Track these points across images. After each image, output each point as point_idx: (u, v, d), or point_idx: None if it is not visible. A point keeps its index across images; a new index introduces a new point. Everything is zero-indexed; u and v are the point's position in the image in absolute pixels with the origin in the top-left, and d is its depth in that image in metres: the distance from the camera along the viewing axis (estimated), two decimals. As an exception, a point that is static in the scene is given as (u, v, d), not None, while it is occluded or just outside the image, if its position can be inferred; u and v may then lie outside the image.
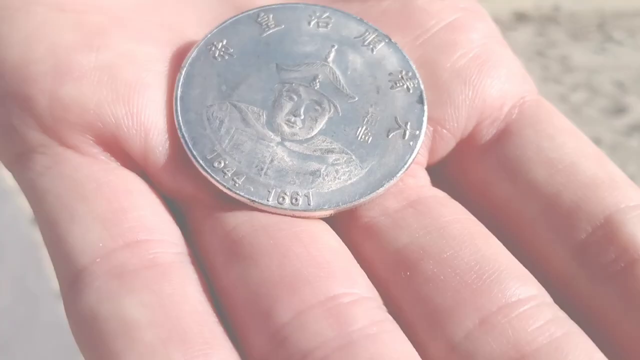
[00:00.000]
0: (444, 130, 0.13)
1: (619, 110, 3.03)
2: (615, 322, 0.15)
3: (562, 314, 0.16)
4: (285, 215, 0.13)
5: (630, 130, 2.76)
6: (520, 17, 5.08)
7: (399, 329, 0.15)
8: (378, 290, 0.15)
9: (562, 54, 3.97)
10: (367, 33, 0.13)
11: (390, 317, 0.16)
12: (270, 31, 0.13)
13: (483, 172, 0.15)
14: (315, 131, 0.13)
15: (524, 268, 0.15)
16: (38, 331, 0.30)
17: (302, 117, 0.11)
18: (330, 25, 0.13)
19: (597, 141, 2.71)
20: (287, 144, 0.12)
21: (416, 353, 0.15)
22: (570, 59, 3.91)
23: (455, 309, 0.14)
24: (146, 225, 0.13)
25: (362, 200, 0.12)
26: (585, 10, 5.47)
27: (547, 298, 0.16)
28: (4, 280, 0.29)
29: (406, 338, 0.15)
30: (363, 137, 0.12)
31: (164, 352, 0.13)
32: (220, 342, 0.14)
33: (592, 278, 0.13)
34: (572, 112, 2.94)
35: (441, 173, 0.16)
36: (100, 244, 0.13)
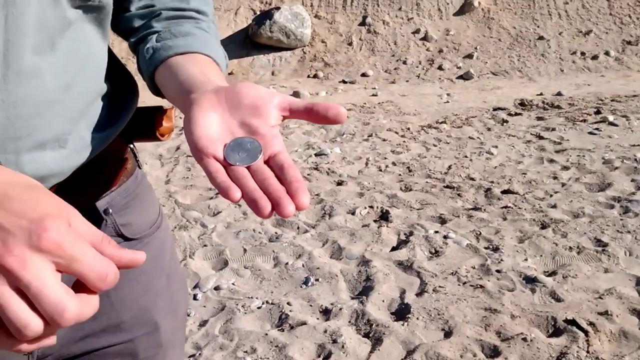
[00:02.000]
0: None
1: (605, 185, 3.36)
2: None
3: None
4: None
5: (612, 201, 3.10)
6: (524, 104, 5.40)
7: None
8: None
9: (559, 136, 4.63)
10: (251, 139, 0.45)
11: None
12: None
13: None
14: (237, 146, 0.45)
15: None
16: (168, 234, 0.72)
17: (244, 151, 0.45)
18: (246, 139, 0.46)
19: (580, 213, 2.95)
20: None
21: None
22: (565, 140, 4.53)
23: None
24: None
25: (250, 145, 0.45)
26: (584, 95, 5.76)
27: None
28: (157, 205, 0.74)
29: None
30: (249, 146, 0.44)
31: None
32: None
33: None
34: (563, 188, 3.36)
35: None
36: (205, 148, 0.46)
